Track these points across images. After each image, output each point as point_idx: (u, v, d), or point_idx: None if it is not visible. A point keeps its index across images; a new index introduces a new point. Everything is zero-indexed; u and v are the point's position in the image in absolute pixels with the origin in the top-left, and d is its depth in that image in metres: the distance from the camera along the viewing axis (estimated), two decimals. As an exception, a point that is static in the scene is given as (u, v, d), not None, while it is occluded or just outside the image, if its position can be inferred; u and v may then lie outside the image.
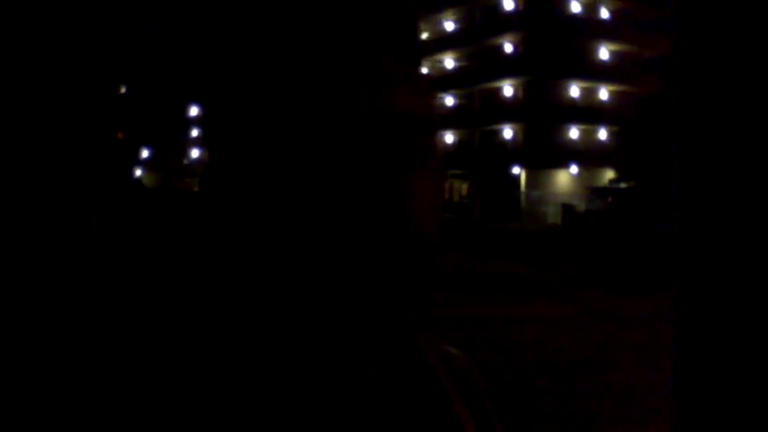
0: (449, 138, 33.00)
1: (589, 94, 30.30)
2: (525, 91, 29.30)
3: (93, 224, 0.45)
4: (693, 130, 0.52)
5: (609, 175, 29.24)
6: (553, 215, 27.43)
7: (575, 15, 29.69)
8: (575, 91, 29.94)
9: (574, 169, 29.61)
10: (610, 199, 23.56)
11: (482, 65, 31.06)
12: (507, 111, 29.96)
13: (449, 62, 33.32)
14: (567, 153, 29.44)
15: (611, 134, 29.76)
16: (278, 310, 0.42)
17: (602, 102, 30.34)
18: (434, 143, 0.43)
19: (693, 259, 0.51)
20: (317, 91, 0.39)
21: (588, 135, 30.25)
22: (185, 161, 43.03)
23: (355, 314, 0.40)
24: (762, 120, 0.49)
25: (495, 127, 30.77)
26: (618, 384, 5.10)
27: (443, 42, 32.82)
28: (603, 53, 30.30)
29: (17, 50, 0.42)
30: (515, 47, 29.68)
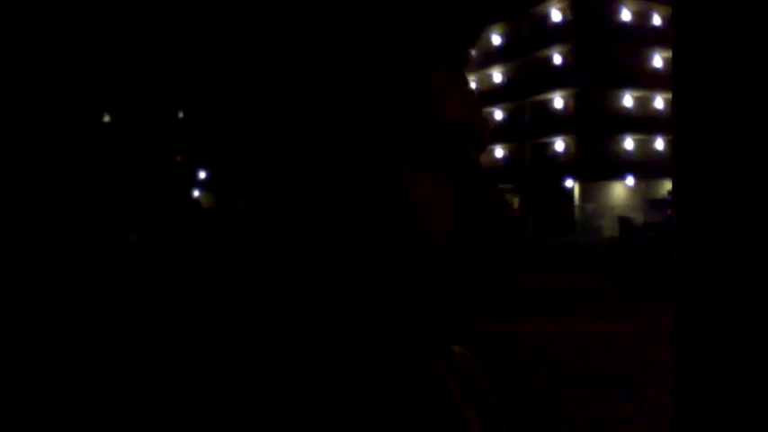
0: (498, 152, 32.68)
1: (643, 103, 29.46)
2: (576, 102, 28.76)
3: (93, 224, 0.45)
4: (693, 130, 0.52)
5: (668, 186, 28.20)
6: (609, 228, 26.62)
7: (625, 23, 29.04)
8: (628, 100, 29.17)
9: (630, 181, 28.74)
10: (669, 211, 22.72)
11: (531, 77, 30.72)
12: (558, 123, 29.45)
13: (497, 76, 33.11)
14: (622, 164, 28.63)
15: (668, 144, 28.78)
16: (288, 313, 0.42)
17: (657, 111, 29.42)
18: (472, 154, 0.42)
19: (694, 260, 0.51)
20: (361, 94, 0.39)
21: (644, 145, 29.35)
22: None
23: (363, 319, 0.40)
24: (761, 121, 0.49)
25: (546, 139, 30.28)
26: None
27: (491, 56, 32.65)
28: (657, 60, 29.45)
29: (17, 51, 0.42)
30: (564, 58, 29.23)
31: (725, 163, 0.49)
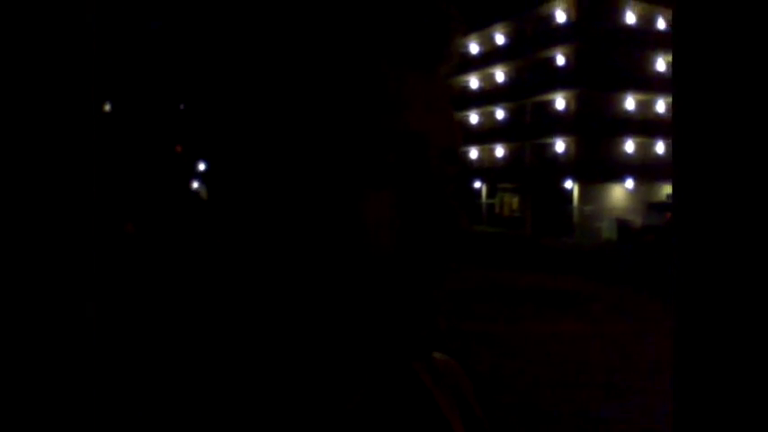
0: (499, 151, 32.63)
1: (645, 106, 29.42)
2: (578, 103, 28.72)
3: (93, 224, 0.44)
4: (692, 130, 0.50)
5: (667, 189, 28.17)
6: (608, 230, 26.62)
7: (629, 26, 28.99)
8: (630, 103, 29.14)
9: (629, 183, 28.74)
10: (669, 214, 22.69)
11: (533, 77, 30.67)
12: (559, 123, 29.42)
13: (499, 75, 33.05)
14: (622, 167, 28.63)
15: (669, 147, 28.71)
16: (259, 317, 0.41)
17: (659, 114, 29.39)
18: (431, 164, 0.40)
19: (693, 261, 0.50)
20: (320, 101, 0.38)
21: (645, 148, 29.32)
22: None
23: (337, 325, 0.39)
24: (761, 121, 0.48)
25: (547, 140, 30.25)
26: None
27: (494, 55, 32.57)
28: (660, 64, 29.40)
29: (17, 51, 0.41)
30: (567, 59, 29.18)
31: (725, 163, 0.48)
